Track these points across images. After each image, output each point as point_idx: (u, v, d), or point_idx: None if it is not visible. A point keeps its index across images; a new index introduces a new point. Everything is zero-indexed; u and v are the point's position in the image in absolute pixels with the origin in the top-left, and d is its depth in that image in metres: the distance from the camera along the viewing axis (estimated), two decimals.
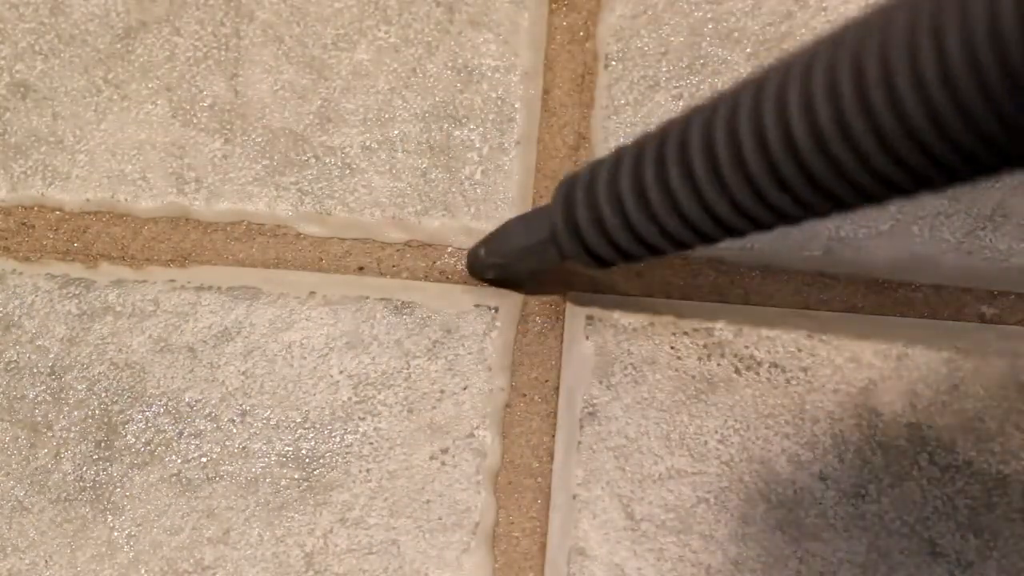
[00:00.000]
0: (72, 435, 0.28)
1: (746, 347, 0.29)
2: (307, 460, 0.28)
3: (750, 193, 0.21)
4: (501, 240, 0.28)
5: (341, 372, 0.29)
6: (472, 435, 0.29)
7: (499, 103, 0.31)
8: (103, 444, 0.28)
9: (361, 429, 0.29)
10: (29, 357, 0.29)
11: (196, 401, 0.29)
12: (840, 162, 0.19)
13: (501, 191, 0.30)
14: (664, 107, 0.31)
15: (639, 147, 0.23)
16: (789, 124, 0.20)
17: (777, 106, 0.20)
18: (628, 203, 0.23)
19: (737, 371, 0.29)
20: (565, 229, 0.25)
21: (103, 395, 0.29)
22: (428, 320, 0.29)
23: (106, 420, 0.28)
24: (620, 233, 0.24)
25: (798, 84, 0.20)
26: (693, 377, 0.29)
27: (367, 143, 0.30)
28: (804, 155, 0.20)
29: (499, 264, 0.28)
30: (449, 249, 0.30)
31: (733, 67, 0.31)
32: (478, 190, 0.30)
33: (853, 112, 0.19)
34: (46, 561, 0.28)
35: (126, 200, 0.30)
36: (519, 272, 0.29)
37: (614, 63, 0.31)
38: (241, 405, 0.29)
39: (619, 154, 0.24)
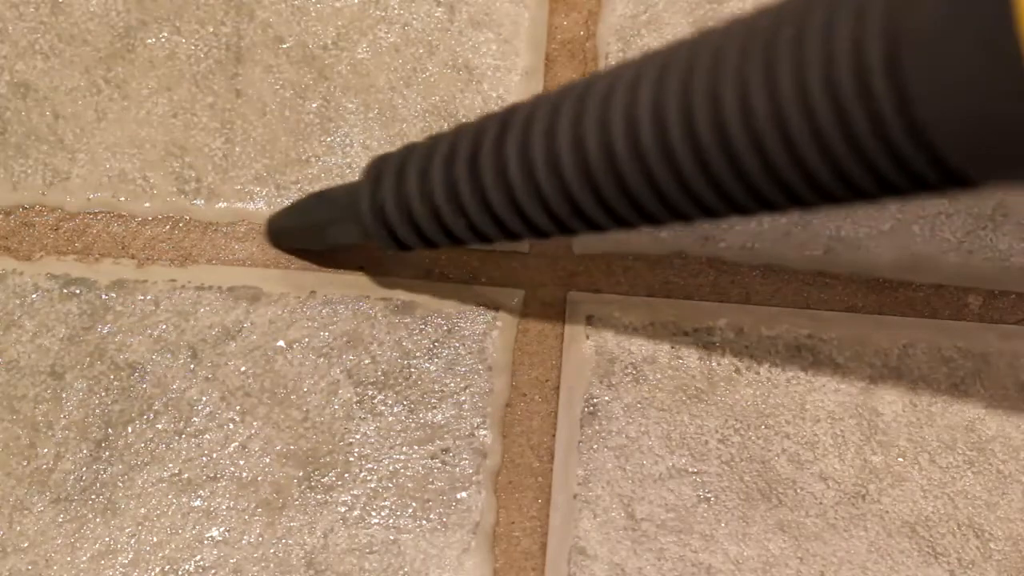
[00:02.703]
0: (72, 435, 0.28)
1: (746, 347, 0.29)
2: (307, 460, 0.28)
3: (563, 199, 0.21)
4: (304, 213, 0.28)
5: (341, 372, 0.29)
6: (472, 435, 0.29)
7: (499, 102, 0.31)
8: (103, 444, 0.28)
9: (361, 429, 0.29)
10: (29, 357, 0.29)
11: (196, 401, 0.29)
12: (662, 180, 0.19)
13: None
14: None
15: (454, 139, 0.23)
16: (611, 140, 0.19)
17: (599, 121, 0.20)
18: (437, 194, 0.23)
19: (737, 371, 0.29)
20: (370, 210, 0.25)
21: (103, 395, 0.29)
22: (428, 320, 0.29)
23: (106, 420, 0.28)
24: (426, 222, 0.24)
25: (623, 99, 0.19)
26: (693, 377, 0.29)
27: (367, 142, 0.30)
28: (624, 174, 0.20)
29: (299, 236, 0.28)
30: (450, 249, 0.30)
31: None
32: None
33: (677, 134, 0.18)
34: (46, 561, 0.28)
35: (126, 200, 0.30)
36: (319, 246, 0.29)
37: (615, 63, 0.31)
38: (241, 405, 0.29)
39: (434, 143, 0.24)
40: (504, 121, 0.22)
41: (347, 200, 0.26)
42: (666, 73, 0.19)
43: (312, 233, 0.28)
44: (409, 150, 0.24)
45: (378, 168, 0.25)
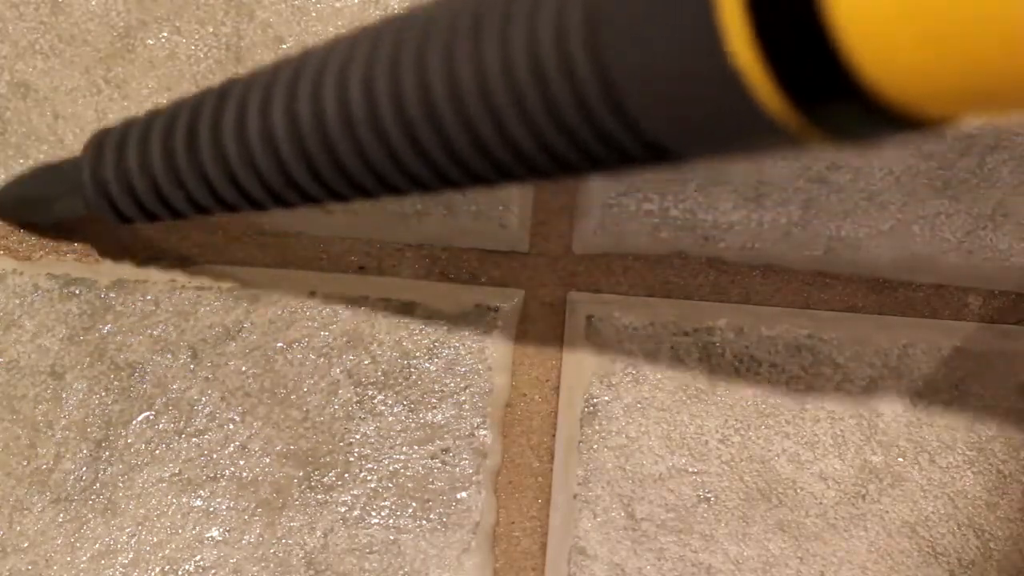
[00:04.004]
0: (72, 435, 0.28)
1: (746, 347, 0.29)
2: (307, 460, 0.28)
3: (277, 170, 0.21)
4: (30, 184, 0.28)
5: (341, 372, 0.29)
6: (472, 435, 0.29)
7: None
8: (103, 444, 0.28)
9: (361, 429, 0.29)
10: (29, 357, 0.29)
11: (196, 401, 0.29)
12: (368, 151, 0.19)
13: (501, 190, 0.30)
14: None
15: (174, 111, 0.23)
16: (323, 113, 0.20)
17: (313, 95, 0.20)
18: (156, 166, 0.23)
19: (737, 371, 0.29)
20: (91, 182, 0.25)
21: (103, 395, 0.29)
22: (428, 320, 0.29)
23: (106, 420, 0.28)
24: (146, 194, 0.24)
25: (335, 70, 0.20)
26: (693, 377, 0.29)
27: None
28: (337, 148, 0.20)
29: (24, 208, 0.28)
30: (449, 249, 0.30)
31: None
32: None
33: (385, 107, 0.19)
34: (46, 561, 0.28)
35: None
36: (44, 218, 0.28)
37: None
38: (241, 405, 0.29)
39: (153, 115, 0.24)
40: (222, 93, 0.22)
41: (70, 172, 0.26)
42: (377, 46, 0.19)
43: (36, 205, 0.28)
44: (130, 123, 0.24)
45: (99, 140, 0.25)
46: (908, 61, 0.13)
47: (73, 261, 0.30)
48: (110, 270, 0.30)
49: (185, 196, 0.23)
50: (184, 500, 0.28)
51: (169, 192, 0.23)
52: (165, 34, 0.30)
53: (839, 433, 0.29)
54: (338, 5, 0.31)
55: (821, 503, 0.28)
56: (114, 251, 0.30)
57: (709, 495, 0.28)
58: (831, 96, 0.14)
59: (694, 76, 0.15)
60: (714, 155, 0.17)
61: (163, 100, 0.30)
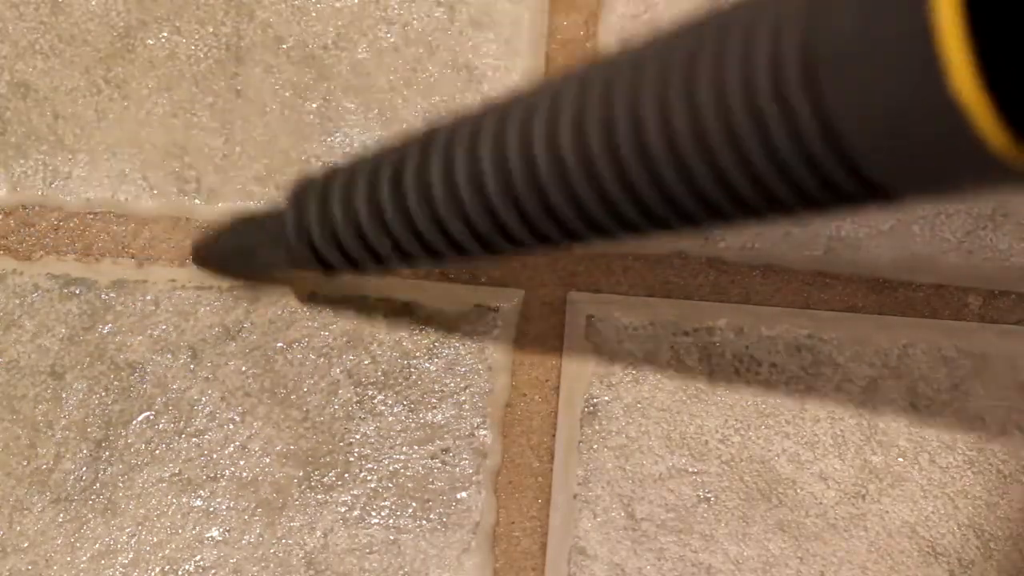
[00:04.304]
0: (72, 435, 0.28)
1: (746, 347, 0.29)
2: (307, 460, 0.28)
3: (487, 217, 0.21)
4: (232, 236, 0.28)
5: (341, 372, 0.29)
6: (472, 435, 0.29)
7: None
8: (103, 444, 0.28)
9: (361, 429, 0.29)
10: (29, 357, 0.29)
11: (196, 401, 0.29)
12: (579, 200, 0.19)
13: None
14: None
15: (378, 159, 0.23)
16: (533, 158, 0.20)
17: (521, 140, 0.20)
18: (362, 216, 0.23)
19: (737, 371, 0.29)
20: (295, 233, 0.24)
21: (103, 395, 0.29)
22: (428, 320, 0.29)
23: (106, 420, 0.28)
24: (351, 244, 0.23)
25: (544, 117, 0.19)
26: (693, 377, 0.29)
27: (368, 143, 0.30)
28: (547, 192, 0.20)
29: (226, 259, 0.28)
30: None
31: None
32: None
33: (598, 152, 0.18)
34: (46, 561, 0.28)
35: (127, 200, 0.30)
36: (246, 269, 0.29)
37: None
38: (241, 405, 0.29)
39: (357, 164, 0.24)
40: (428, 140, 0.22)
41: (273, 223, 0.26)
42: (587, 91, 0.19)
43: (240, 256, 0.28)
44: (333, 172, 0.24)
45: (302, 190, 0.25)
46: None
47: (73, 261, 0.30)
48: (110, 270, 0.30)
49: (392, 244, 0.23)
50: (184, 500, 0.28)
51: (375, 240, 0.23)
52: (165, 34, 0.30)
53: (839, 433, 0.29)
54: (338, 5, 0.31)
55: (821, 503, 0.28)
56: (114, 251, 0.30)
57: (709, 495, 0.28)
58: None
59: (917, 113, 0.14)
60: (935, 195, 0.16)
61: (163, 100, 0.30)
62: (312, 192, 0.24)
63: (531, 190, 0.20)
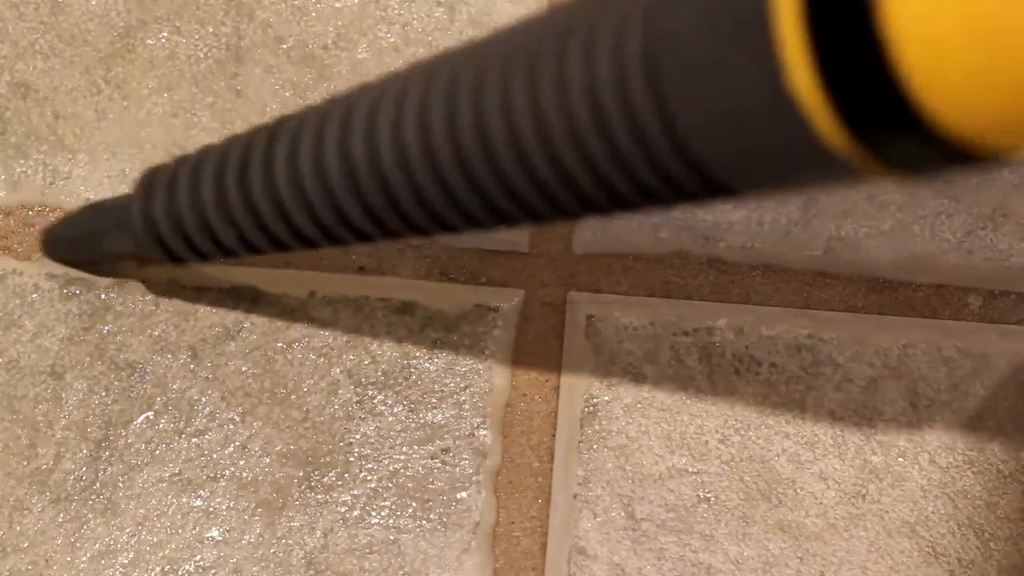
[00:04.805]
0: (72, 435, 0.28)
1: (746, 347, 0.29)
2: (307, 460, 0.28)
3: (331, 208, 0.21)
4: (79, 223, 0.28)
5: (341, 372, 0.29)
6: (472, 435, 0.29)
7: None
8: (103, 444, 0.28)
9: (361, 429, 0.29)
10: (29, 357, 0.29)
11: (196, 401, 0.29)
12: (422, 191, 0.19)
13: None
14: None
15: (225, 149, 0.23)
16: (378, 150, 0.19)
17: (366, 132, 0.20)
18: (207, 206, 0.23)
19: (737, 371, 0.29)
20: (142, 221, 0.24)
21: (103, 395, 0.29)
22: (428, 320, 0.29)
23: (106, 420, 0.28)
24: (197, 234, 0.23)
25: (389, 110, 0.19)
26: (693, 377, 0.29)
27: None
28: (391, 184, 0.20)
29: (73, 246, 0.28)
30: (449, 249, 0.30)
31: None
32: None
33: (441, 145, 0.18)
34: (46, 561, 0.28)
35: None
36: (93, 257, 0.28)
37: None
38: (241, 405, 0.29)
39: (204, 154, 0.23)
40: (274, 130, 0.22)
41: (120, 211, 0.26)
42: (432, 85, 0.19)
43: (86, 244, 0.28)
44: (181, 161, 0.24)
45: (150, 179, 0.24)
46: (974, 92, 0.12)
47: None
48: (110, 270, 0.30)
49: (237, 234, 0.23)
50: (184, 500, 0.28)
51: (220, 230, 0.23)
52: (165, 34, 0.30)
53: (839, 433, 0.29)
54: (338, 5, 0.31)
55: (821, 503, 0.28)
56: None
57: (709, 495, 0.28)
58: (893, 128, 0.13)
59: (756, 111, 0.14)
60: (774, 190, 0.16)
61: (163, 100, 0.30)
62: (160, 181, 0.24)
63: (375, 182, 0.20)
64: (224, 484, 0.28)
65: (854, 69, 0.13)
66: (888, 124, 0.13)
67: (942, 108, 0.13)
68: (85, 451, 0.28)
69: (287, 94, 0.30)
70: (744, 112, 0.15)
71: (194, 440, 0.28)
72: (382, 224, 0.21)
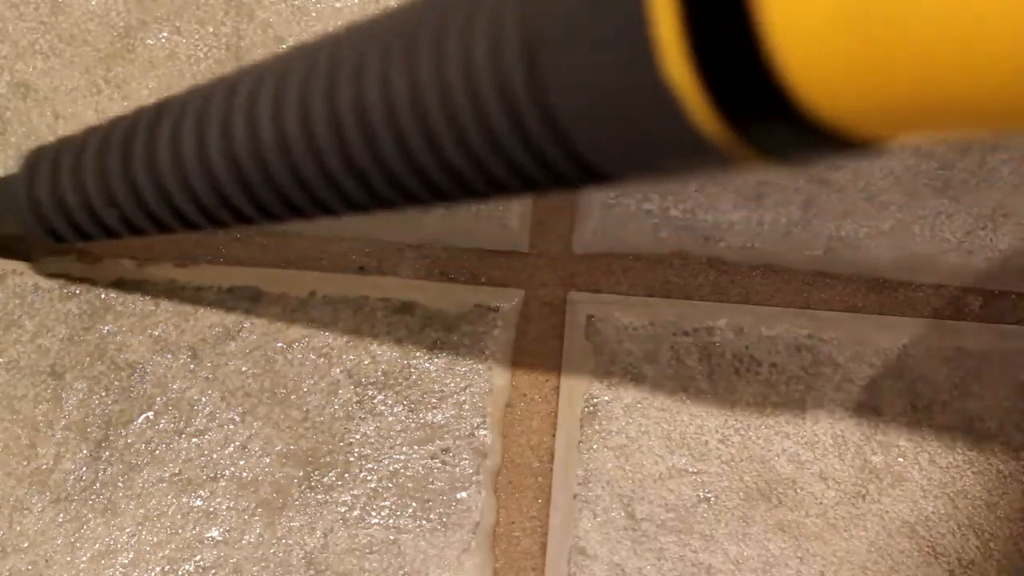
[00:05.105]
0: (72, 435, 0.28)
1: (746, 347, 0.29)
2: (307, 460, 0.28)
3: (211, 191, 0.21)
4: None
5: (341, 372, 0.29)
6: (472, 435, 0.29)
7: None
8: (103, 444, 0.28)
9: (361, 429, 0.29)
10: (29, 357, 0.29)
11: (196, 401, 0.29)
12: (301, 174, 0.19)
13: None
14: None
15: (109, 129, 0.23)
16: (258, 132, 0.19)
17: (247, 114, 0.20)
18: (90, 185, 0.23)
19: (737, 371, 0.29)
20: (26, 201, 0.24)
21: (103, 395, 0.29)
22: (428, 320, 0.29)
23: (106, 420, 0.28)
24: (79, 213, 0.23)
25: (271, 93, 0.19)
26: (693, 377, 0.29)
27: None
28: (271, 167, 0.19)
29: None
30: (449, 249, 0.30)
31: None
32: None
33: (321, 129, 0.18)
34: (46, 561, 0.28)
35: None
36: None
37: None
38: (241, 405, 0.29)
39: (89, 134, 0.23)
40: (158, 110, 0.22)
41: (3, 190, 0.25)
42: (313, 69, 0.19)
43: None
44: (64, 141, 0.24)
45: (34, 158, 0.24)
46: (843, 83, 0.13)
47: (73, 261, 0.30)
48: (110, 270, 0.30)
49: (119, 216, 0.23)
50: (184, 500, 0.28)
51: (103, 212, 0.23)
52: (165, 34, 0.30)
53: (839, 433, 0.29)
54: (338, 5, 0.31)
55: (821, 503, 0.28)
56: (113, 250, 0.30)
57: (709, 495, 0.28)
58: (767, 116, 0.14)
59: (632, 99, 0.14)
60: (649, 176, 0.17)
61: None
62: (44, 160, 0.24)
63: (255, 165, 0.20)
64: (224, 484, 0.28)
65: (728, 57, 0.13)
66: (762, 112, 0.14)
67: (815, 96, 0.13)
68: (85, 451, 0.28)
69: None
70: (621, 100, 0.15)
71: (194, 440, 0.28)
72: (262, 207, 0.21)
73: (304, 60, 0.19)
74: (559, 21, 0.15)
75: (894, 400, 0.29)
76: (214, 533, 0.28)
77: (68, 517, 0.28)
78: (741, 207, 0.30)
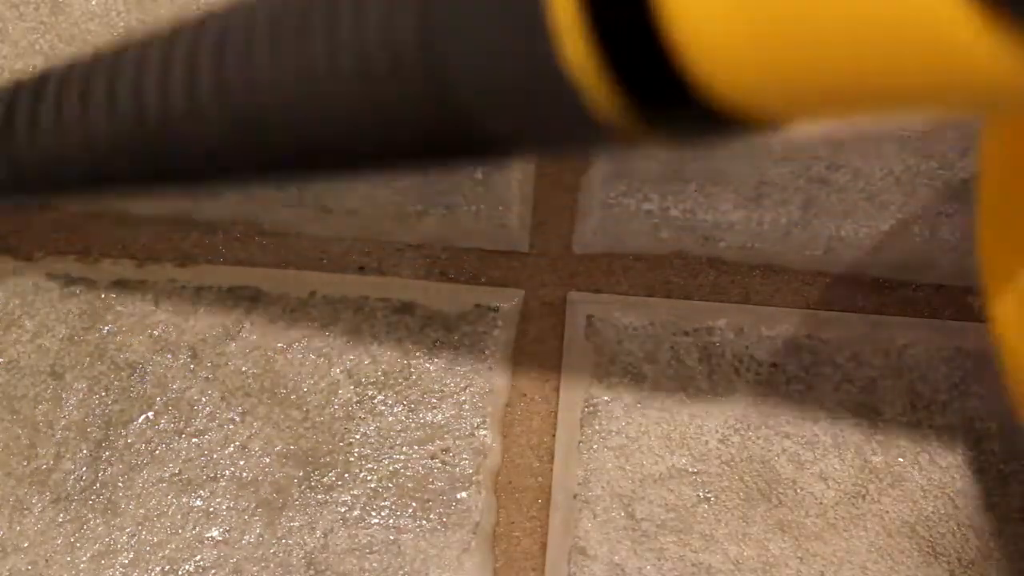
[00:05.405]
0: (72, 435, 0.28)
1: (746, 347, 0.29)
2: (307, 460, 0.28)
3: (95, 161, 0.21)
4: None
5: (341, 372, 0.29)
6: (472, 435, 0.29)
7: None
8: (103, 444, 0.28)
9: (361, 429, 0.29)
10: (29, 357, 0.29)
11: (196, 401, 0.29)
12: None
13: (501, 190, 0.30)
14: None
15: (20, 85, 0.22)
16: (147, 106, 0.19)
17: (133, 82, 0.19)
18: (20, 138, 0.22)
19: (737, 371, 0.29)
20: None
21: (103, 395, 0.29)
22: (428, 320, 0.29)
23: (106, 420, 0.28)
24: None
25: (158, 65, 0.19)
26: (693, 377, 0.29)
27: None
28: (152, 133, 0.19)
29: None
30: (449, 249, 0.30)
31: None
32: (479, 189, 0.30)
33: (208, 101, 0.18)
34: (46, 561, 0.28)
35: (127, 200, 0.30)
36: None
37: None
38: (241, 405, 0.29)
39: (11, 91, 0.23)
40: (91, 66, 0.21)
41: None
42: (200, 38, 0.18)
43: None
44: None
45: None
46: (738, 61, 0.13)
47: (73, 261, 0.30)
48: (110, 270, 0.30)
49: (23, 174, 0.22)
50: (184, 500, 0.28)
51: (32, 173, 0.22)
52: None
53: (839, 433, 0.29)
54: None
55: (821, 503, 0.28)
56: (114, 251, 0.30)
57: (709, 495, 0.28)
58: (665, 97, 0.14)
59: (531, 78, 0.14)
60: (543, 151, 0.16)
61: None
62: None
63: (140, 136, 0.19)
64: (224, 484, 0.28)
65: (627, 39, 0.13)
66: (660, 93, 0.14)
67: (711, 77, 0.13)
68: (85, 451, 0.28)
69: None
70: (519, 79, 0.15)
71: (194, 440, 0.28)
72: (149, 178, 0.20)
73: (191, 33, 0.19)
74: (458, 8, 0.15)
75: (894, 400, 0.29)
76: (214, 533, 0.28)
77: (68, 517, 0.28)
78: (741, 207, 0.30)
